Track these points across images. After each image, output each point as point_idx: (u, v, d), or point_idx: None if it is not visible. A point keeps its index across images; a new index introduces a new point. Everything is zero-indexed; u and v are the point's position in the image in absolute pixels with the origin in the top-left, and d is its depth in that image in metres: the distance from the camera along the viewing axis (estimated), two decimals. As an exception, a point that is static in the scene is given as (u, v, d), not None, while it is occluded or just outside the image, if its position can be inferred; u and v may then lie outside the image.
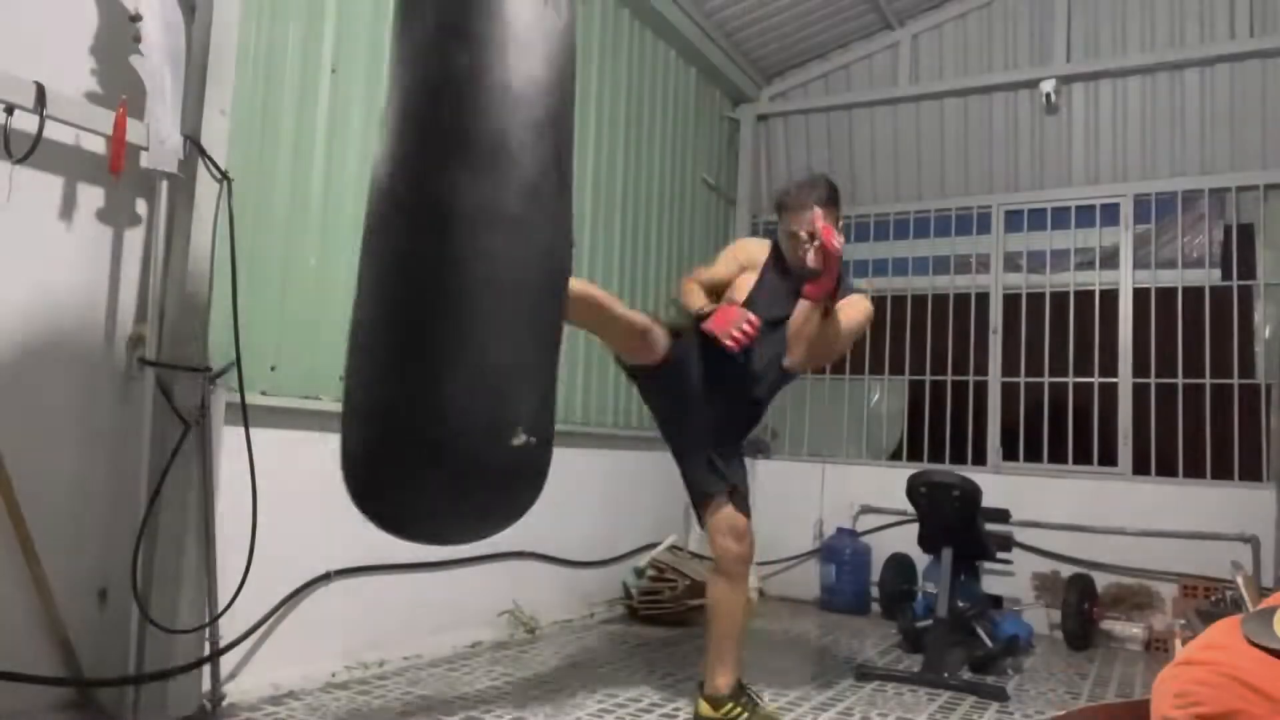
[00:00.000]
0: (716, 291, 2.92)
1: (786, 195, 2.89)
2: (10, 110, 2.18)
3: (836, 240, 2.50)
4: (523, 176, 1.58)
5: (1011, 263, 5.39)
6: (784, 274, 2.88)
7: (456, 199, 1.56)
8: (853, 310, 2.84)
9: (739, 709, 2.74)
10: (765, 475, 5.77)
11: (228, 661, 2.71)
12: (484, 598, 3.77)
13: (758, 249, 3.01)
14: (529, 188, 1.59)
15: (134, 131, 2.41)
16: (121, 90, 2.43)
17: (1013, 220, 5.42)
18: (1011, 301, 5.35)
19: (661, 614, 4.41)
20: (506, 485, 1.69)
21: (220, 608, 2.63)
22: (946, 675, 3.50)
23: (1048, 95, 5.15)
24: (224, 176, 2.62)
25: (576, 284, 2.37)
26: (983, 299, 5.42)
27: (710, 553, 2.90)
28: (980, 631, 3.85)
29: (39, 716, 2.32)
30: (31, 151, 2.21)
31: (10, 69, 2.20)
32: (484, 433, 1.59)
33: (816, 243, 2.55)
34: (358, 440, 1.65)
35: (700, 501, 2.88)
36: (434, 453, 1.61)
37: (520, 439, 1.61)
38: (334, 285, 3.14)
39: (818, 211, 2.64)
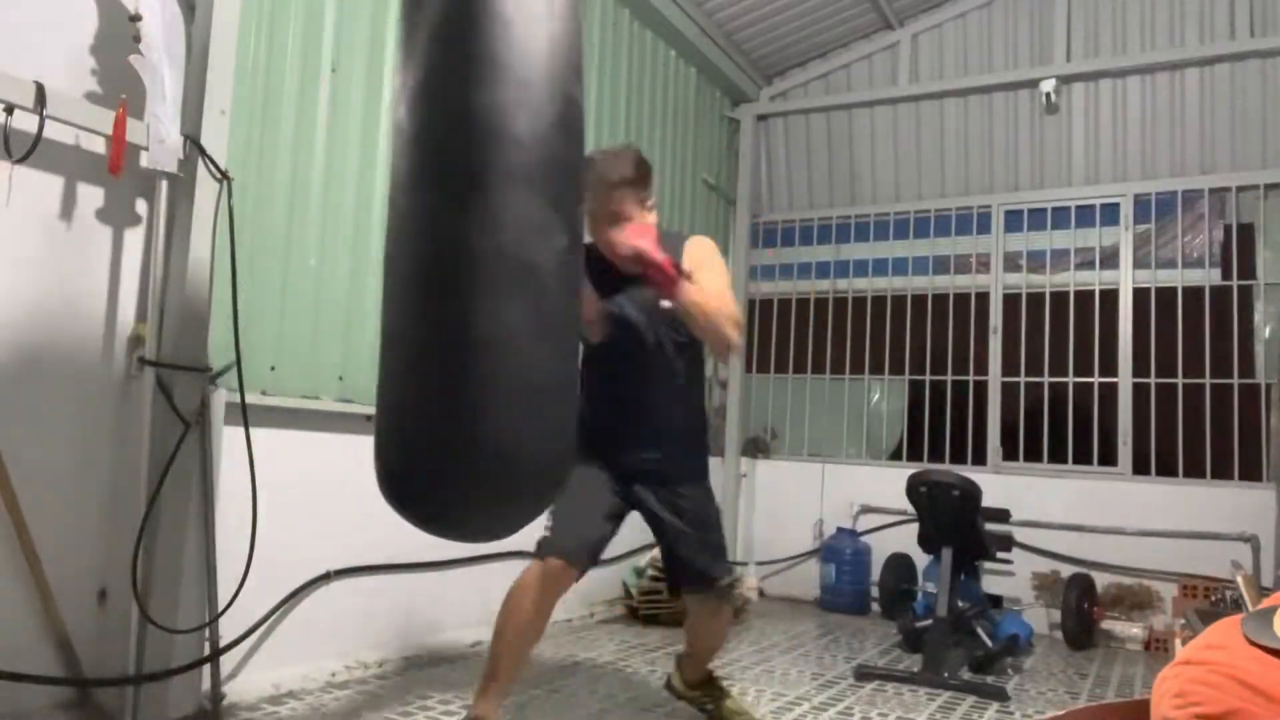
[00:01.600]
0: None
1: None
2: (10, 110, 2.18)
3: (641, 247, 2.13)
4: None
5: (1011, 262, 5.40)
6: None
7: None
8: (709, 272, 2.28)
9: (717, 697, 2.76)
10: (765, 475, 5.79)
11: (228, 661, 2.71)
12: (484, 597, 3.75)
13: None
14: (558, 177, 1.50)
15: (134, 131, 2.41)
16: (121, 90, 2.43)
17: (1012, 220, 5.42)
18: (1011, 301, 5.35)
19: (662, 613, 4.41)
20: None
21: (220, 608, 2.63)
22: (946, 675, 3.50)
23: (1048, 95, 5.15)
24: (224, 176, 2.62)
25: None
26: (983, 299, 5.42)
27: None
28: (980, 631, 3.85)
29: (39, 716, 2.31)
30: (31, 151, 2.21)
31: (10, 68, 2.19)
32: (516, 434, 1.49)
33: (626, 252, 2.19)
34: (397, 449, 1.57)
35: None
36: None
37: None
38: (333, 285, 3.15)
39: (622, 209, 2.26)
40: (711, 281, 2.24)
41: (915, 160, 5.69)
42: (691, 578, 2.53)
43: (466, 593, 3.67)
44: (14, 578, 2.27)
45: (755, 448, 5.87)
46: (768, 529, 5.64)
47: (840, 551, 5.18)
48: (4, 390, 2.26)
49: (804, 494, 5.54)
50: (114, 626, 2.45)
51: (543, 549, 2.33)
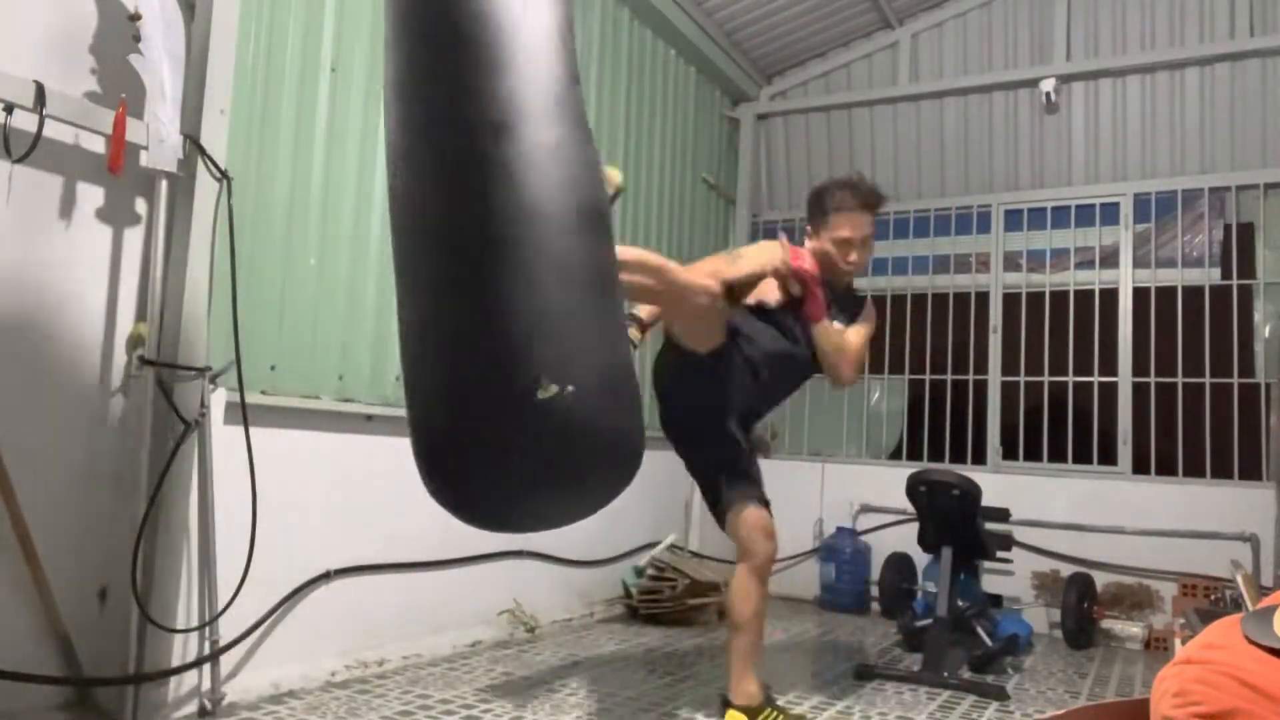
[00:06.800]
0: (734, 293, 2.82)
1: (832, 196, 2.91)
2: (10, 109, 2.18)
3: (807, 265, 2.76)
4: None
5: (1011, 262, 5.39)
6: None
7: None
8: (853, 334, 2.99)
9: (776, 712, 2.67)
10: (765, 474, 5.76)
11: (227, 661, 2.71)
12: (484, 597, 3.77)
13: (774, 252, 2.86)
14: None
15: (134, 131, 2.41)
16: (121, 90, 2.43)
17: (1012, 219, 5.42)
18: (1011, 301, 5.35)
19: (662, 613, 4.42)
20: (561, 448, 1.43)
21: (220, 607, 2.63)
22: (946, 674, 3.50)
23: (1047, 94, 5.15)
24: (224, 176, 2.62)
25: (629, 250, 2.39)
26: (982, 298, 5.42)
27: (738, 555, 2.75)
28: (980, 630, 3.85)
29: (39, 716, 2.31)
30: (31, 151, 2.21)
31: (9, 68, 2.19)
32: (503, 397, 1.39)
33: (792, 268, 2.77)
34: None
35: (730, 504, 2.75)
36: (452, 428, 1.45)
37: (550, 390, 1.36)
38: (333, 284, 3.15)
39: (782, 239, 2.86)
40: (857, 335, 3.00)
41: (915, 159, 5.69)
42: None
43: (466, 592, 3.67)
44: (14, 577, 2.27)
45: (756, 447, 5.85)
46: (768, 528, 5.63)
47: (840, 550, 5.18)
48: (4, 390, 2.25)
49: (804, 493, 5.54)
50: (114, 626, 2.45)
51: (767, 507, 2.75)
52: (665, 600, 4.42)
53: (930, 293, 5.58)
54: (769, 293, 2.86)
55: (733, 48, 5.63)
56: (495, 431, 1.42)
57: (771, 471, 5.68)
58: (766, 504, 2.78)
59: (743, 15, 5.40)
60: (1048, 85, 5.14)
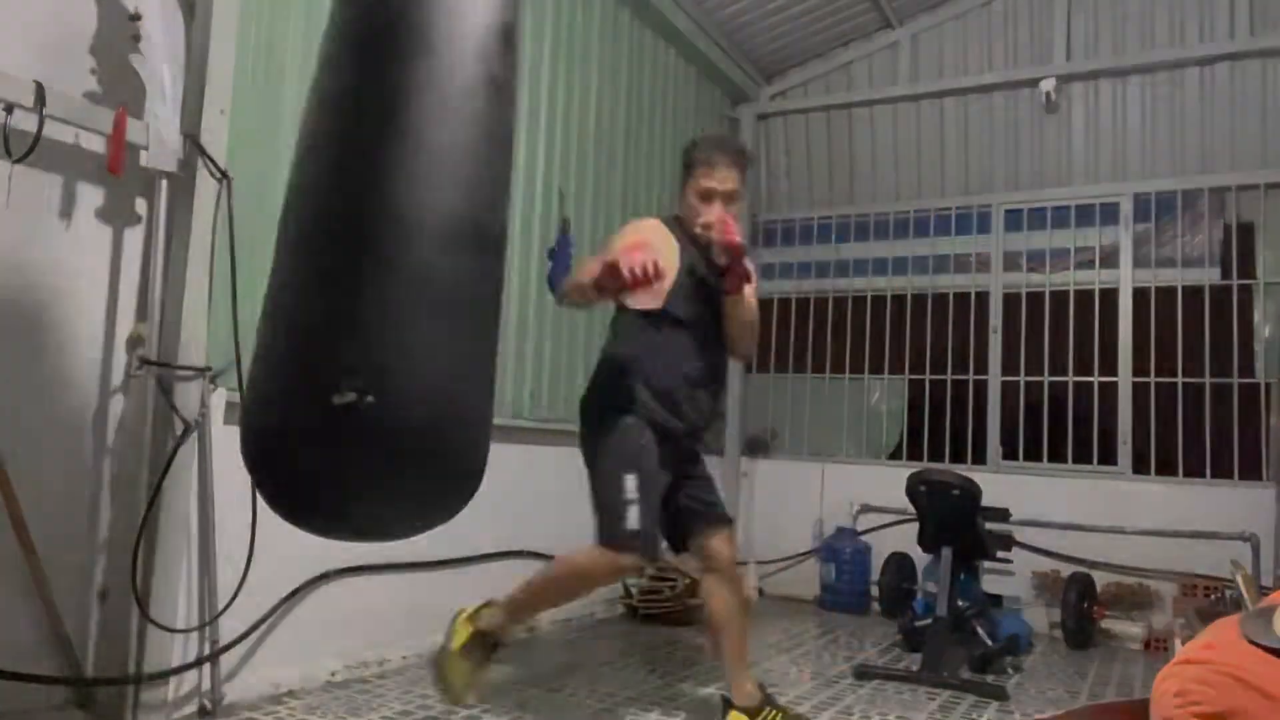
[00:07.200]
0: None
1: (700, 150, 2.67)
2: (10, 109, 2.18)
3: (736, 234, 2.47)
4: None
5: (1011, 262, 5.40)
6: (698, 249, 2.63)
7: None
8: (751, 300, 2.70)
9: (776, 711, 2.65)
10: (765, 475, 5.79)
11: (227, 661, 2.70)
12: (483, 597, 3.76)
13: (656, 230, 2.69)
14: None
15: (134, 131, 2.41)
16: (121, 90, 2.43)
17: (1012, 219, 5.42)
18: (1011, 301, 5.35)
19: (662, 613, 4.41)
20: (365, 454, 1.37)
21: (220, 607, 2.63)
22: (946, 674, 3.50)
23: (1047, 94, 5.15)
24: (224, 176, 2.62)
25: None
26: (982, 298, 5.42)
27: (720, 573, 2.69)
28: (980, 630, 3.85)
29: (40, 716, 2.31)
30: (31, 151, 2.21)
31: (9, 68, 2.19)
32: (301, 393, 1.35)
33: (718, 237, 2.48)
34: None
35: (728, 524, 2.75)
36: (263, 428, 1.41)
37: (348, 395, 1.30)
38: (334, 285, 3.14)
39: (730, 186, 2.57)
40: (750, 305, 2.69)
41: (915, 159, 5.69)
42: (718, 516, 2.73)
43: (465, 592, 3.65)
44: (15, 577, 2.27)
45: (756, 447, 5.86)
46: (768, 528, 5.64)
47: (840, 551, 5.18)
48: (4, 390, 2.25)
49: (804, 493, 5.54)
50: (114, 626, 2.45)
51: (628, 543, 2.42)
52: (665, 600, 4.42)
53: (931, 293, 5.58)
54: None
55: (733, 47, 5.63)
56: (300, 425, 1.37)
57: (771, 471, 5.76)
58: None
59: (743, 15, 5.40)
60: (1048, 85, 5.14)
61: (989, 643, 3.81)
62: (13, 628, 2.28)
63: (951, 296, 5.52)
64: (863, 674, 3.54)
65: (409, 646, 3.37)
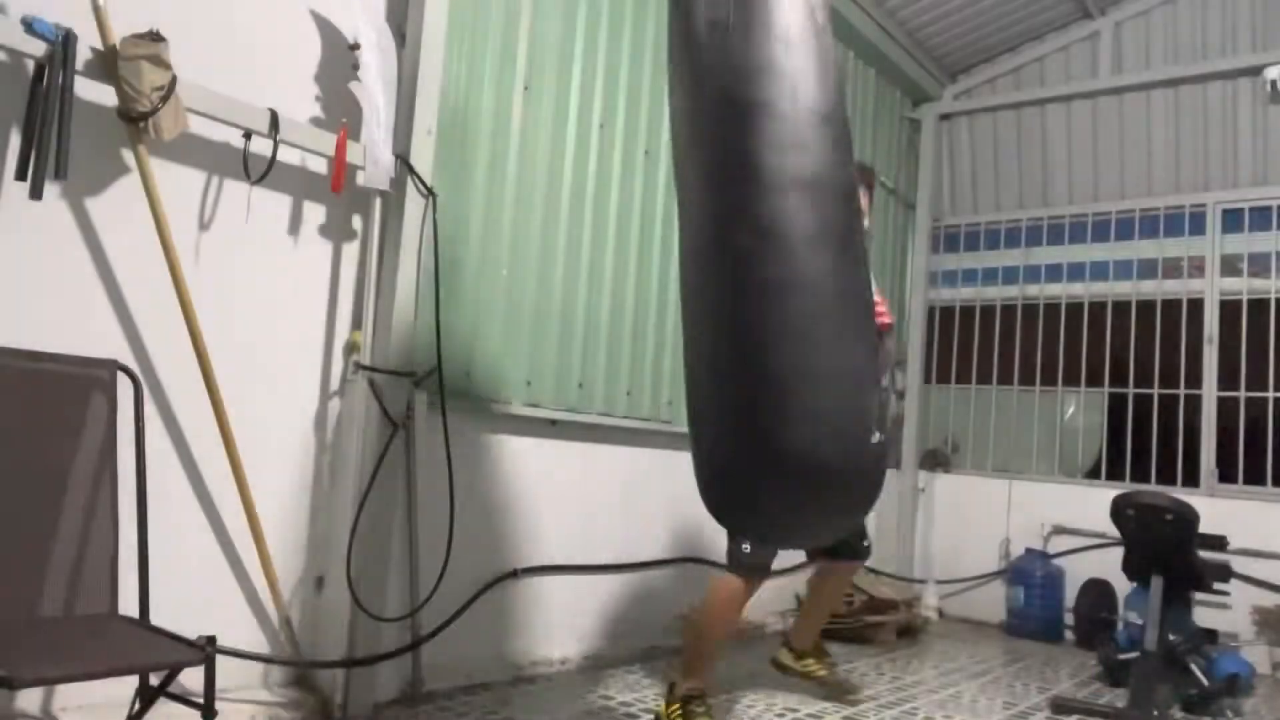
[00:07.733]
0: None
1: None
2: (249, 135, 2.39)
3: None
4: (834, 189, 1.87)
5: (1230, 266, 4.93)
6: None
7: (790, 224, 1.81)
8: None
9: (821, 665, 3.19)
10: (944, 490, 5.55)
11: (426, 650, 2.85)
12: (660, 601, 3.80)
13: None
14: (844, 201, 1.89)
15: (352, 152, 2.59)
16: (341, 114, 2.62)
17: (1231, 220, 4.95)
18: (1230, 308, 4.89)
19: (838, 629, 4.30)
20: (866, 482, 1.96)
21: (421, 598, 2.78)
22: (1156, 713, 3.23)
23: (1272, 83, 4.66)
24: (430, 192, 2.77)
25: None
26: (1195, 305, 4.98)
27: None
28: (1194, 668, 3.52)
29: (260, 693, 2.51)
30: (267, 173, 2.42)
31: (247, 97, 2.40)
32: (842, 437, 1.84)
33: None
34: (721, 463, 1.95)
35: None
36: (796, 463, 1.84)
37: (878, 436, 1.88)
38: (522, 295, 3.27)
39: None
40: None
41: (1117, 157, 5.31)
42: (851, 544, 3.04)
43: (643, 596, 3.71)
44: (246, 564, 2.48)
45: (934, 460, 5.63)
46: (947, 546, 5.41)
47: (1030, 573, 4.88)
48: (241, 392, 2.46)
49: (988, 511, 5.27)
50: (329, 613, 2.63)
51: (753, 570, 2.72)
52: (842, 616, 4.31)
53: (1134, 299, 5.18)
54: None
55: (915, 46, 5.44)
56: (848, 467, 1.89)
57: (951, 487, 5.51)
58: None
59: (926, 13, 5.22)
60: (1273, 73, 4.66)
61: (1204, 681, 3.48)
62: (241, 610, 2.49)
63: (1159, 303, 5.10)
64: (1060, 708, 3.32)
65: (589, 646, 3.44)
